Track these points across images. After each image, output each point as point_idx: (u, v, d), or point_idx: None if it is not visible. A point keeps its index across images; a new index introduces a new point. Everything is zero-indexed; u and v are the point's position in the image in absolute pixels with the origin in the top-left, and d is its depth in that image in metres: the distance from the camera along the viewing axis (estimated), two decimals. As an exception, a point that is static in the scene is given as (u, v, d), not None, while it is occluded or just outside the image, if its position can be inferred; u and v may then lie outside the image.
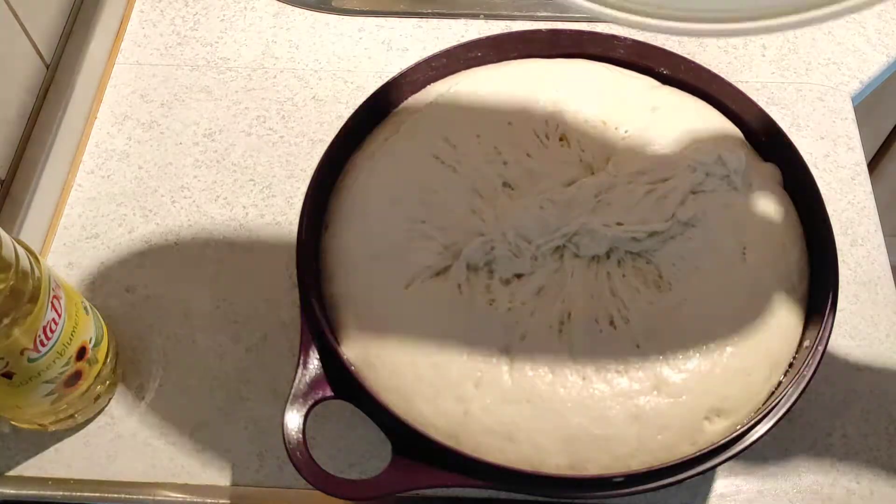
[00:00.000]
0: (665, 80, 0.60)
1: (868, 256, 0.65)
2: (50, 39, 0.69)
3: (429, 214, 0.52)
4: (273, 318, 0.62)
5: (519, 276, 0.50)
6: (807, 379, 0.48)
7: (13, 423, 0.56)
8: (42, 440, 0.57)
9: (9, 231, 0.48)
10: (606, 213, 0.52)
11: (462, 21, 0.77)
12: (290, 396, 0.48)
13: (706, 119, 0.57)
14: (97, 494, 0.56)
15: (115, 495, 0.56)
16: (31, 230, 0.63)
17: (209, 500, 0.56)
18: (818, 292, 0.52)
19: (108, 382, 0.57)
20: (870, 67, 0.75)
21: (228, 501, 0.56)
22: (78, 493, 0.56)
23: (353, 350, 0.50)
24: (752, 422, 0.47)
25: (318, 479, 0.46)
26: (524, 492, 0.47)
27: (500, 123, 0.56)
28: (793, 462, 0.57)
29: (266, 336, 0.62)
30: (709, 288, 0.50)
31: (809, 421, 0.58)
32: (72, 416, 0.56)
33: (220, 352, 0.61)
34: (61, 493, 0.56)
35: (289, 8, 0.78)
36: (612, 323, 0.49)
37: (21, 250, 0.48)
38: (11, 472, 0.57)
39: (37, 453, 0.57)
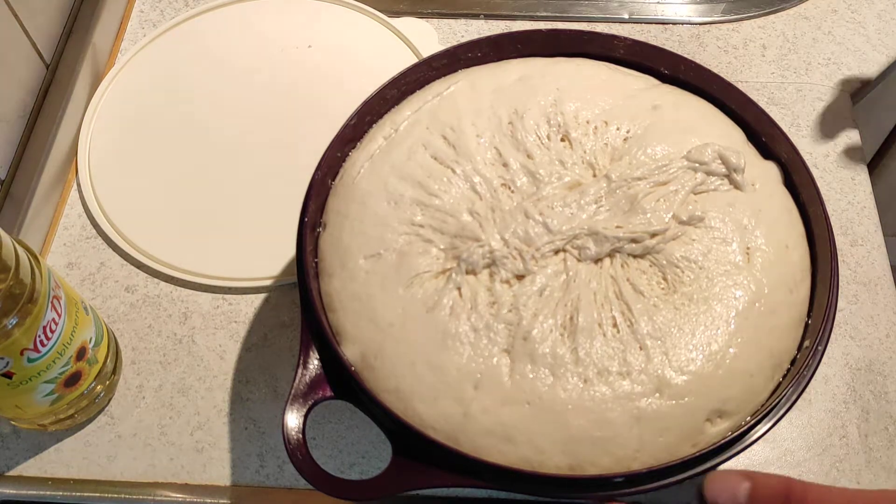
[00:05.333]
0: (665, 79, 0.60)
1: (868, 256, 0.65)
2: (50, 39, 0.69)
3: (427, 216, 0.52)
4: (273, 318, 0.62)
5: (520, 277, 0.50)
6: (807, 379, 0.48)
7: (13, 423, 0.56)
8: (42, 440, 0.57)
9: (9, 231, 0.48)
10: (607, 215, 0.52)
11: (462, 21, 0.77)
12: (290, 396, 0.48)
13: (706, 118, 0.57)
14: (97, 494, 0.56)
15: (115, 495, 0.56)
16: (31, 230, 0.63)
17: (209, 500, 0.56)
18: (818, 292, 0.52)
19: (108, 382, 0.57)
20: (870, 67, 0.75)
21: (228, 501, 0.56)
22: (78, 493, 0.56)
23: (353, 350, 0.50)
24: (752, 422, 0.47)
25: (318, 479, 0.46)
26: (524, 492, 0.47)
27: (500, 124, 0.56)
28: (793, 462, 0.57)
29: (266, 336, 0.62)
30: (712, 289, 0.50)
31: (810, 421, 0.58)
32: (72, 416, 0.56)
33: (220, 352, 0.61)
34: (61, 493, 0.56)
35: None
36: (615, 325, 0.49)
37: (21, 250, 0.48)
38: (11, 472, 0.57)
39: (37, 453, 0.57)
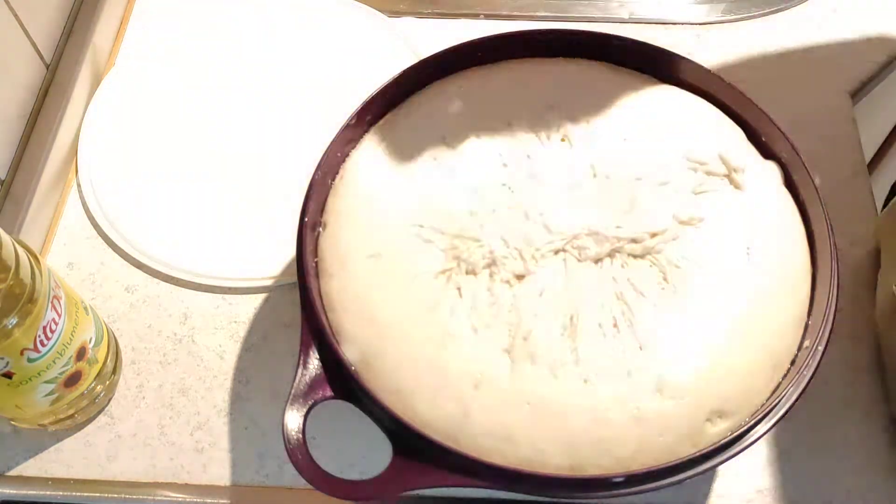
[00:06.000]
0: (665, 79, 0.59)
1: (868, 256, 0.64)
2: (50, 39, 0.69)
3: (427, 216, 0.52)
4: (273, 318, 0.62)
5: (520, 277, 0.50)
6: (807, 379, 0.48)
7: (14, 423, 0.56)
8: (42, 440, 0.57)
9: (9, 231, 0.48)
10: (607, 215, 0.52)
11: (462, 21, 0.77)
12: (290, 396, 0.48)
13: (707, 118, 0.57)
14: (97, 494, 0.56)
15: (115, 495, 0.56)
16: (31, 230, 0.63)
17: (209, 500, 0.56)
18: (818, 292, 0.52)
19: (107, 382, 0.57)
20: (870, 67, 0.75)
21: (228, 501, 0.56)
22: (78, 493, 0.56)
23: (353, 350, 0.50)
24: (752, 422, 0.47)
25: (318, 479, 0.46)
26: (524, 492, 0.47)
27: (499, 124, 0.56)
28: (793, 462, 0.57)
29: (266, 336, 0.62)
30: (713, 289, 0.50)
31: (809, 421, 0.58)
32: (72, 416, 0.56)
33: (220, 352, 0.61)
34: (61, 493, 0.56)
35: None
36: (615, 325, 0.49)
37: (21, 250, 0.48)
38: (11, 472, 0.57)
39: (37, 453, 0.57)
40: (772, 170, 0.55)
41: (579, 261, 0.51)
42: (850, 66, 0.75)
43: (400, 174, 0.54)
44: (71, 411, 0.56)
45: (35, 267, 0.48)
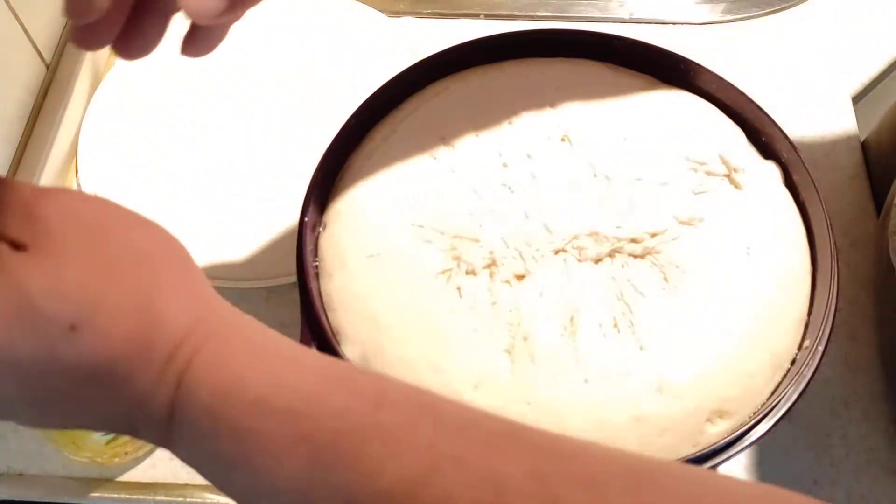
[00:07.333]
0: (665, 79, 0.59)
1: (868, 257, 0.64)
2: (50, 39, 0.69)
3: (427, 217, 0.52)
4: (273, 318, 0.62)
5: (521, 277, 0.50)
6: (807, 379, 0.48)
7: (68, 455, 0.56)
8: (43, 440, 0.57)
9: (9, 231, 0.48)
10: (608, 215, 0.52)
11: (462, 21, 0.77)
12: (291, 396, 0.48)
13: (707, 118, 0.57)
14: (97, 494, 0.56)
15: (115, 495, 0.56)
16: (31, 230, 0.63)
17: (209, 500, 0.56)
18: (818, 292, 0.52)
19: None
20: (870, 67, 0.75)
21: (228, 501, 0.56)
22: (78, 493, 0.56)
23: (353, 350, 0.50)
24: (752, 422, 0.47)
25: (319, 479, 0.46)
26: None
27: (499, 124, 0.56)
28: (793, 462, 0.57)
29: (266, 336, 0.61)
30: (713, 289, 0.50)
31: (809, 421, 0.58)
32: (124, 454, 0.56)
33: (221, 352, 0.61)
34: (61, 493, 0.56)
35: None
36: (615, 325, 0.49)
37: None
38: (11, 472, 0.57)
39: (37, 453, 0.57)
40: (772, 170, 0.55)
41: (579, 261, 0.51)
42: (850, 66, 0.75)
43: (400, 174, 0.54)
44: (126, 449, 0.55)
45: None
